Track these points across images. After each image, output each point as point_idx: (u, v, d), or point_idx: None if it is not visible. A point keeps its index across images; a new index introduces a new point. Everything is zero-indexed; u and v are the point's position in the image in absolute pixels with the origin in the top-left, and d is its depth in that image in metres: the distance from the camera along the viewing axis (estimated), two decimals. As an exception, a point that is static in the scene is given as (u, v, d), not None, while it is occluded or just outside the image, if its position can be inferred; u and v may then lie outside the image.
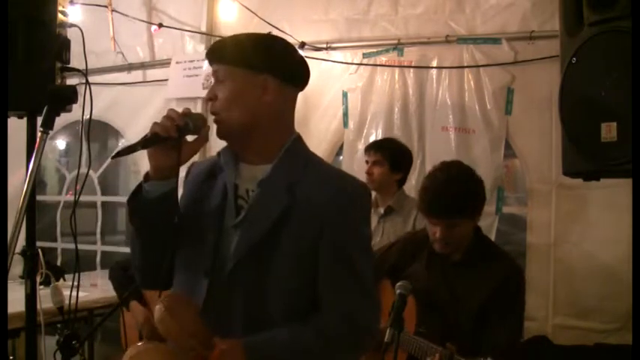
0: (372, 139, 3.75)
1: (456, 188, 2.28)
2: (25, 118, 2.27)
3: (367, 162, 3.35)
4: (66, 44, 2.28)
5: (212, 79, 1.59)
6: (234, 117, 1.53)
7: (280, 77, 1.55)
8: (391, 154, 3.32)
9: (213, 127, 1.59)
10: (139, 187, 1.56)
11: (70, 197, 4.96)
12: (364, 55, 3.93)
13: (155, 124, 1.50)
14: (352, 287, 1.52)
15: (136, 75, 4.64)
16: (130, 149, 1.49)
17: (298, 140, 1.62)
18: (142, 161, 4.23)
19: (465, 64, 3.61)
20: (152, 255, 1.58)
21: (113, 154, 1.57)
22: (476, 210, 2.34)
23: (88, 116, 2.06)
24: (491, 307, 2.24)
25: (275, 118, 1.57)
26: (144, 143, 1.49)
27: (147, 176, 1.54)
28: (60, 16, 2.26)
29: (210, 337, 1.43)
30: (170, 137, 1.48)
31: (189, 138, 1.55)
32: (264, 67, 1.53)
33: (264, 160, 1.57)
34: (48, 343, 2.60)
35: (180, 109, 1.55)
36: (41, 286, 2.72)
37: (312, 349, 1.49)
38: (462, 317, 2.25)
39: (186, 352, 1.42)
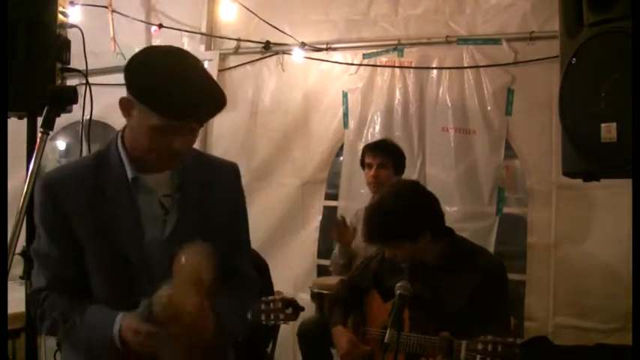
0: (372, 139, 3.74)
1: (381, 216, 2.32)
2: (25, 119, 2.28)
3: (369, 165, 3.32)
4: (66, 45, 2.28)
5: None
6: None
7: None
8: (394, 157, 3.32)
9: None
10: None
11: (71, 198, 4.94)
12: (364, 56, 3.92)
13: None
14: (233, 244, 1.71)
15: (136, 76, 4.63)
16: None
17: None
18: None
19: (465, 65, 3.61)
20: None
21: None
22: (409, 233, 2.30)
23: (88, 117, 2.06)
24: (476, 302, 2.26)
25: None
26: None
27: None
28: (60, 16, 2.27)
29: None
30: None
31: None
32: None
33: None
34: (48, 344, 2.61)
35: None
36: (41, 287, 2.71)
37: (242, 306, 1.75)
38: (449, 319, 2.25)
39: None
